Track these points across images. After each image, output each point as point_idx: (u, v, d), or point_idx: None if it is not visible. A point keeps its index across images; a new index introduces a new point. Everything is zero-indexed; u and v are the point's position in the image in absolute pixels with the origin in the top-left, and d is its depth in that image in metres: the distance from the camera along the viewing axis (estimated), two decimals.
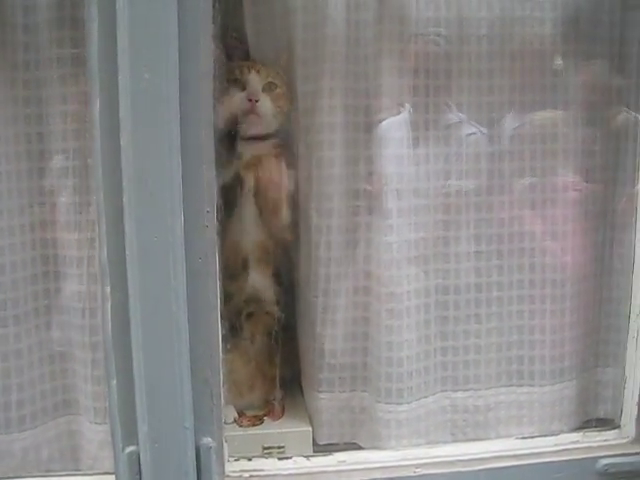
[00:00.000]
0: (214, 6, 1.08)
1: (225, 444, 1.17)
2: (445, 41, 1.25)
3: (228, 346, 1.39)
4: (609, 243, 1.36)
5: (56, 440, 1.25)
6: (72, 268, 1.20)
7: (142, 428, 1.09)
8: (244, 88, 1.33)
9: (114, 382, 1.11)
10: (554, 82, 1.29)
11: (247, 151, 1.37)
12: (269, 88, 1.34)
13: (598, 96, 1.31)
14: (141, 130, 1.03)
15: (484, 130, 1.29)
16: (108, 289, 1.09)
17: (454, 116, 1.28)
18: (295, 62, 1.31)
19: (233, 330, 1.41)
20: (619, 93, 1.32)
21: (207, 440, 1.13)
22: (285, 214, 1.36)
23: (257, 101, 1.33)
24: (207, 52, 1.07)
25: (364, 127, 1.27)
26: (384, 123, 1.25)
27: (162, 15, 1.03)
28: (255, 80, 1.33)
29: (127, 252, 1.06)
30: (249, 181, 1.37)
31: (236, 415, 1.44)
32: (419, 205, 1.28)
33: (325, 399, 1.35)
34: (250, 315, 1.43)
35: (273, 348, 1.44)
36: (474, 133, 1.29)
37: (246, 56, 1.38)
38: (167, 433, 1.10)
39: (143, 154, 1.04)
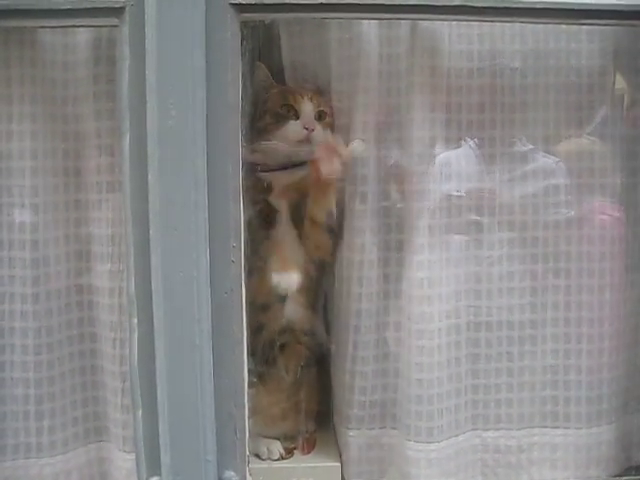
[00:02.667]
0: (242, 43, 1.11)
1: (250, 477, 1.17)
2: (479, 74, 1.25)
3: (262, 378, 1.42)
4: None
5: (86, 466, 1.27)
6: (104, 298, 1.23)
7: (165, 459, 1.10)
8: (297, 116, 1.32)
9: (139, 412, 1.12)
10: (590, 115, 1.26)
11: (287, 178, 1.36)
12: (319, 117, 1.33)
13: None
14: (167, 165, 1.05)
15: (519, 165, 1.27)
16: (135, 320, 1.11)
17: (487, 150, 1.27)
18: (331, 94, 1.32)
19: (267, 362, 1.41)
20: None
21: (230, 474, 1.13)
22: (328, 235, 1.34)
23: (313, 130, 1.31)
24: (235, 88, 1.09)
25: (395, 161, 1.27)
26: (416, 157, 1.24)
27: (190, 53, 1.05)
28: (309, 108, 1.32)
29: (153, 285, 1.08)
30: (288, 208, 1.36)
31: (282, 451, 1.42)
32: (451, 240, 1.27)
33: (354, 436, 1.33)
34: (284, 346, 1.41)
35: (307, 380, 1.43)
36: (508, 169, 1.28)
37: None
38: (189, 465, 1.10)
39: (169, 188, 1.06)
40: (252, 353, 1.36)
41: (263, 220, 1.36)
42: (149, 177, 1.06)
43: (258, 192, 1.33)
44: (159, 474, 1.11)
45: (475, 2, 1.11)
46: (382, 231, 1.29)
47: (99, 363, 1.26)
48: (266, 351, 1.40)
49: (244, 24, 1.10)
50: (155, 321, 1.09)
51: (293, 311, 1.39)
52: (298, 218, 1.36)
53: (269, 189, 1.36)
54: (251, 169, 1.33)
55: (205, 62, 1.06)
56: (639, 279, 1.31)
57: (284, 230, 1.37)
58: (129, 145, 1.08)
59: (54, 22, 1.12)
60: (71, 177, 1.22)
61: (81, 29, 1.18)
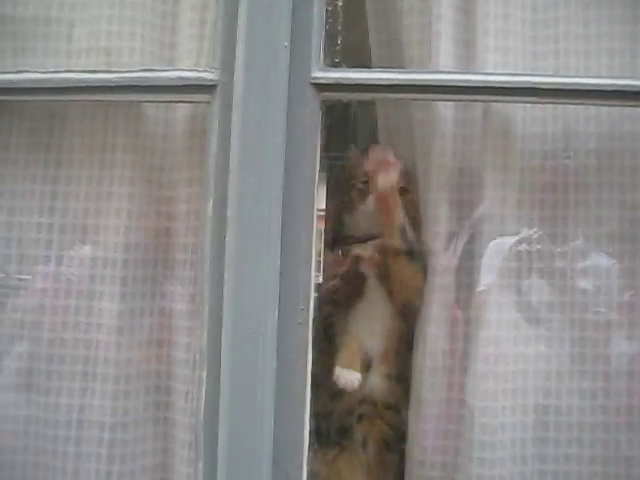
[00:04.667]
0: (322, 119, 1.19)
1: None
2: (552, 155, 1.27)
3: (339, 450, 1.43)
4: None
5: None
6: (181, 352, 1.30)
7: None
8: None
9: (200, 464, 1.17)
10: None
11: (362, 251, 1.41)
12: (401, 192, 1.38)
13: None
14: (244, 228, 1.14)
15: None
16: (204, 374, 1.17)
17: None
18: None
19: (344, 432, 1.42)
20: None
21: None
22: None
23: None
24: (312, 161, 1.17)
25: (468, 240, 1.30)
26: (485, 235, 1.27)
27: (271, 127, 1.15)
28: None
29: (222, 340, 1.15)
30: (376, 277, 1.40)
31: None
32: (519, 318, 1.27)
33: None
34: (362, 417, 1.42)
35: (388, 460, 1.41)
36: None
37: None
38: None
39: (244, 250, 1.14)
40: (328, 419, 1.42)
41: (352, 290, 1.41)
42: (227, 238, 1.15)
43: (348, 262, 1.40)
44: None
45: (539, 85, 1.17)
46: (448, 305, 1.30)
47: (171, 416, 1.32)
48: (342, 420, 1.41)
49: (324, 102, 1.20)
50: (222, 375, 1.15)
51: (375, 381, 1.40)
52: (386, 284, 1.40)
53: (359, 259, 1.41)
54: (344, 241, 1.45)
55: (285, 136, 1.17)
56: None
57: (372, 299, 1.41)
58: (212, 208, 1.18)
59: (157, 97, 1.27)
60: (162, 238, 1.33)
61: (179, 105, 1.31)
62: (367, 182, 1.39)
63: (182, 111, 1.31)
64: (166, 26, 1.34)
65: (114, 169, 1.31)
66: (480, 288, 1.27)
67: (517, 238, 1.27)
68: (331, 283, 1.42)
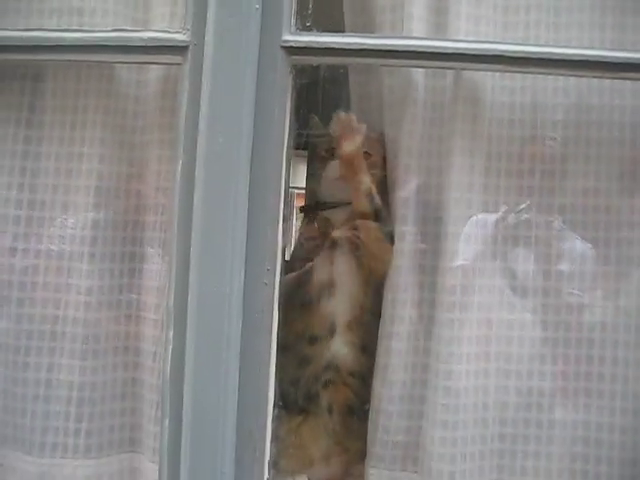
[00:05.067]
0: (293, 84, 1.19)
1: None
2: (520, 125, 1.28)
3: (305, 415, 1.45)
4: None
5: (117, 474, 1.33)
6: (150, 313, 1.31)
7: (183, 469, 1.15)
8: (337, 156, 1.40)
9: (166, 421, 1.18)
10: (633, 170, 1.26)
11: (339, 215, 1.44)
12: (365, 157, 1.38)
13: None
14: (211, 188, 1.15)
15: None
16: (171, 333, 1.19)
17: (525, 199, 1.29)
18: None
19: (310, 397, 1.44)
20: None
21: None
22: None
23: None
24: (280, 125, 1.17)
25: (434, 206, 1.31)
26: (452, 202, 1.27)
27: (240, 89, 1.15)
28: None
29: (189, 299, 1.16)
30: (343, 242, 1.41)
31: None
32: (484, 284, 1.28)
33: (373, 474, 1.32)
34: (327, 384, 1.43)
35: (354, 426, 1.42)
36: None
37: None
38: (206, 476, 1.15)
39: (211, 210, 1.15)
40: (295, 385, 1.44)
41: (320, 255, 1.43)
42: (194, 198, 1.16)
43: (317, 227, 1.43)
44: None
45: (513, 53, 1.18)
46: (417, 271, 1.32)
47: (140, 376, 1.33)
48: (309, 385, 1.43)
49: (295, 66, 1.20)
50: (187, 335, 1.16)
51: (340, 348, 1.42)
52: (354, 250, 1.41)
53: (330, 225, 1.44)
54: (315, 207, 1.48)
55: (254, 98, 1.17)
56: None
57: (339, 264, 1.42)
58: (181, 170, 1.18)
59: (130, 58, 1.27)
60: (132, 199, 1.34)
61: (151, 67, 1.31)
62: (332, 149, 1.40)
63: (154, 73, 1.31)
64: None
65: (85, 130, 1.31)
66: (447, 255, 1.28)
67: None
68: (300, 247, 1.44)
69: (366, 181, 1.35)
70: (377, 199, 1.36)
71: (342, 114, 1.38)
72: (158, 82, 1.31)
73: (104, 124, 1.31)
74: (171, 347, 1.17)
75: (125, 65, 1.31)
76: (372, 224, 1.36)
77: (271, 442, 1.20)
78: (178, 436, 1.16)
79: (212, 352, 1.14)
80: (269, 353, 1.17)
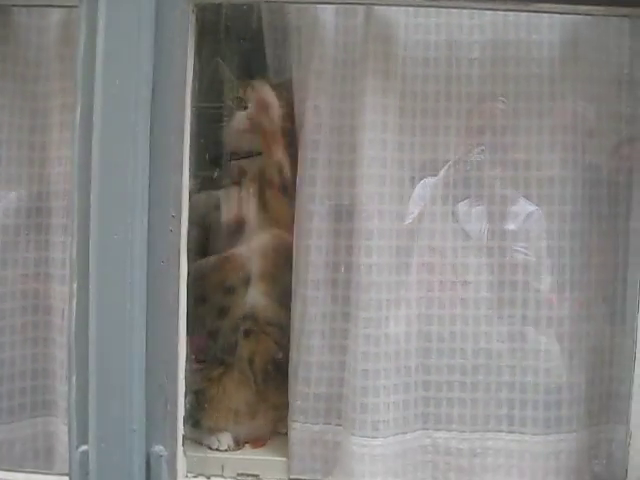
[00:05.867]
0: (197, 18, 1.14)
1: (184, 457, 1.15)
2: (435, 64, 1.24)
3: (226, 368, 1.41)
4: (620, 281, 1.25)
5: (31, 439, 1.28)
6: (57, 269, 1.26)
7: (92, 425, 1.10)
8: (246, 107, 1.37)
9: (73, 378, 1.13)
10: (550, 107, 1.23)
11: (246, 166, 1.40)
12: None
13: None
14: (110, 132, 1.08)
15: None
16: (75, 286, 1.13)
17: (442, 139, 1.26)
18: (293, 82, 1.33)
19: (230, 349, 1.40)
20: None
21: (159, 448, 1.11)
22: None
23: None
24: (182, 64, 1.12)
25: (348, 148, 1.27)
26: (367, 142, 1.23)
27: (137, 27, 1.08)
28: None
29: (90, 248, 1.11)
30: (257, 193, 1.38)
31: (231, 443, 1.39)
32: (401, 230, 1.25)
33: (297, 429, 1.29)
34: (248, 333, 1.40)
35: (276, 376, 1.39)
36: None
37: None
38: (114, 433, 1.09)
39: (111, 155, 1.08)
40: (214, 338, 1.39)
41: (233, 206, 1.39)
42: (92, 144, 1.10)
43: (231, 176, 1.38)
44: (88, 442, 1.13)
45: None
46: (332, 218, 1.28)
47: (51, 335, 1.28)
48: (229, 337, 1.39)
49: (196, 5, 1.15)
50: (90, 286, 1.11)
51: (256, 297, 1.38)
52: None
53: (241, 174, 1.40)
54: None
55: (153, 37, 1.11)
56: (605, 279, 1.26)
57: (253, 215, 1.38)
58: (79, 116, 1.12)
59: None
60: (35, 152, 1.28)
61: (53, 11, 1.25)
62: (239, 99, 1.37)
63: (55, 17, 1.25)
64: None
65: None
66: (361, 198, 1.24)
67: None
68: (210, 196, 1.39)
69: (278, 154, 1.33)
70: (287, 172, 1.34)
71: (257, 84, 1.35)
72: (58, 27, 1.25)
73: (2, 72, 1.25)
74: (75, 300, 1.11)
75: (23, 9, 1.25)
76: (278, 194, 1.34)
77: (185, 396, 1.16)
78: (85, 393, 1.11)
79: (115, 303, 1.08)
80: (177, 303, 1.12)
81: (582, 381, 1.24)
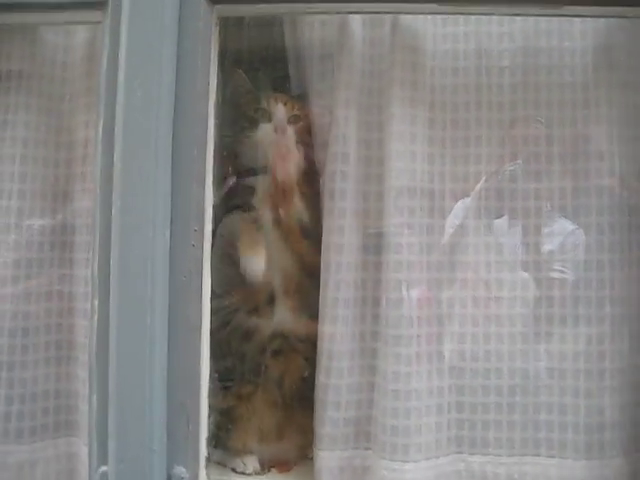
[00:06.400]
0: (220, 31, 1.13)
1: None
2: (465, 73, 1.21)
3: (255, 389, 1.37)
4: None
5: (54, 460, 1.25)
6: (80, 287, 1.24)
7: (111, 446, 1.07)
8: (270, 119, 1.34)
9: (94, 398, 1.11)
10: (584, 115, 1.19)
11: (263, 184, 1.36)
12: (294, 121, 1.35)
13: None
14: (131, 144, 1.07)
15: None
16: (96, 302, 1.11)
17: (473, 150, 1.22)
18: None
19: (259, 370, 1.36)
20: None
21: (180, 470, 1.07)
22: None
23: (284, 133, 1.33)
24: (204, 76, 1.11)
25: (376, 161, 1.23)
26: (394, 154, 1.20)
27: (160, 39, 1.08)
28: (281, 112, 1.33)
29: (111, 264, 1.09)
30: (272, 212, 1.35)
31: (257, 466, 1.34)
32: (432, 246, 1.21)
33: (324, 458, 1.23)
34: (277, 354, 1.35)
35: (305, 394, 1.32)
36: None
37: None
38: (134, 453, 1.06)
39: (132, 168, 1.07)
40: (242, 360, 1.36)
41: (251, 224, 1.35)
42: (114, 157, 1.09)
43: (244, 195, 1.35)
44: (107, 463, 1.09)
45: None
46: (361, 233, 1.24)
47: (74, 354, 1.26)
48: (257, 358, 1.35)
49: (220, 16, 1.14)
50: (111, 301, 1.09)
51: (283, 315, 1.34)
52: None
53: (253, 192, 1.36)
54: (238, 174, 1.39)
55: (176, 49, 1.10)
56: None
57: (269, 234, 1.34)
58: (102, 130, 1.11)
59: (49, 18, 1.20)
60: (60, 169, 1.28)
61: (78, 29, 1.26)
62: (262, 109, 1.34)
63: (81, 35, 1.26)
64: None
65: (8, 96, 1.25)
66: (387, 215, 1.21)
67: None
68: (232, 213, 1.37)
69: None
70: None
71: (284, 96, 1.34)
72: (84, 45, 1.26)
73: (29, 90, 1.25)
74: (96, 317, 1.10)
75: (50, 28, 1.26)
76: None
77: (209, 416, 1.13)
78: (105, 413, 1.08)
79: (136, 318, 1.05)
80: (199, 318, 1.09)
81: (626, 403, 1.17)
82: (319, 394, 1.25)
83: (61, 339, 1.26)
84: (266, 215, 1.33)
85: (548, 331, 1.19)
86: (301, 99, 1.33)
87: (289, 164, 1.32)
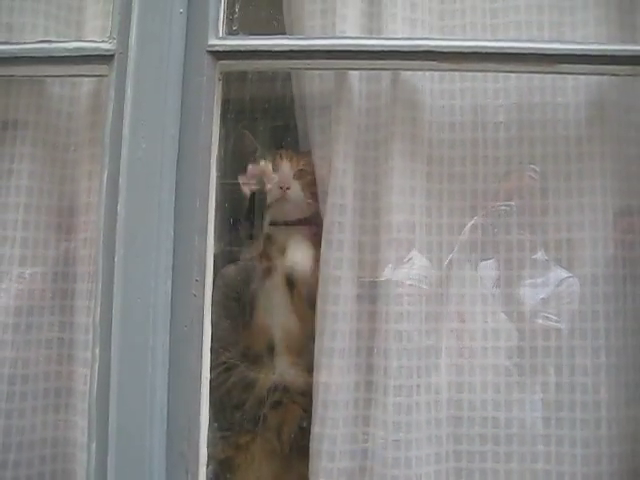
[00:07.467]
0: (223, 87, 1.16)
1: None
2: (461, 128, 1.24)
3: (253, 442, 1.37)
4: None
5: None
6: (81, 334, 1.24)
7: None
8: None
9: (93, 446, 1.11)
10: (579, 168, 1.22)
11: (278, 235, 1.41)
12: (300, 175, 1.38)
13: None
14: (135, 195, 1.10)
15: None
16: (97, 350, 1.12)
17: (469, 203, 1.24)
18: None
19: (257, 422, 1.36)
20: None
21: None
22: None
23: (288, 189, 1.38)
24: (207, 130, 1.14)
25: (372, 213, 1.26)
26: (394, 206, 1.22)
27: (164, 93, 1.12)
28: (286, 168, 1.38)
29: (113, 312, 1.10)
30: (279, 265, 1.38)
31: None
32: (430, 292, 1.23)
33: None
34: (277, 405, 1.36)
35: (303, 443, 1.29)
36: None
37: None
38: None
39: (135, 219, 1.10)
40: (241, 410, 1.36)
41: (260, 271, 1.39)
42: (118, 207, 1.11)
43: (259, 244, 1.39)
44: None
45: (442, 48, 1.14)
46: (357, 283, 1.25)
47: (73, 402, 1.26)
48: (255, 409, 1.36)
49: (222, 72, 1.17)
50: (112, 349, 1.10)
51: (284, 367, 1.36)
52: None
53: (269, 242, 1.40)
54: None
55: (180, 103, 1.13)
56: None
57: (276, 284, 1.38)
58: (106, 180, 1.14)
59: (56, 70, 1.24)
60: (64, 217, 1.29)
61: (83, 81, 1.29)
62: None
63: (86, 87, 1.29)
64: (72, 4, 1.32)
65: (14, 146, 1.27)
66: (383, 264, 1.22)
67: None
68: (239, 263, 1.39)
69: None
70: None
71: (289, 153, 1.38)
72: (89, 97, 1.28)
73: (34, 140, 1.28)
74: (97, 365, 1.10)
75: (56, 80, 1.29)
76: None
77: (207, 465, 1.13)
78: (104, 461, 1.08)
79: (137, 367, 1.07)
80: (199, 366, 1.10)
81: (624, 452, 1.17)
82: (314, 444, 1.24)
83: (60, 386, 1.26)
84: (278, 265, 1.36)
85: (544, 381, 1.19)
86: (309, 154, 1.35)
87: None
